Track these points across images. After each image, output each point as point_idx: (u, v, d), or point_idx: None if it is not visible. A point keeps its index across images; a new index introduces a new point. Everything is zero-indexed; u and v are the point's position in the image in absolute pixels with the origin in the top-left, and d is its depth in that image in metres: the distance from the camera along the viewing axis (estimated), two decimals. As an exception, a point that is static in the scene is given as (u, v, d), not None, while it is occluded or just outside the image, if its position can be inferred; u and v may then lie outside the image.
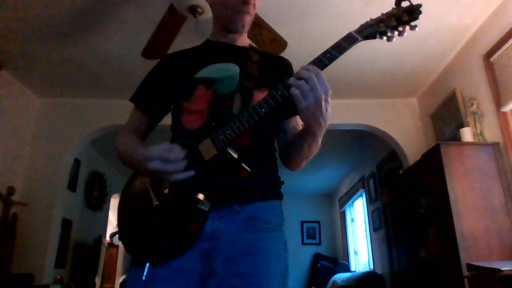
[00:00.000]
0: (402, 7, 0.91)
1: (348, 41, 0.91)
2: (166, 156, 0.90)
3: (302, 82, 0.86)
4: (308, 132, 0.95)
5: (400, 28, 0.91)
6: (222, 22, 1.16)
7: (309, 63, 0.90)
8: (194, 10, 2.23)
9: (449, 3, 2.62)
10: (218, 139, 0.94)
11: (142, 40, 2.61)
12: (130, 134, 1.14)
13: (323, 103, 0.86)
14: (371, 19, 0.93)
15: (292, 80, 0.88)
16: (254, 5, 1.13)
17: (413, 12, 0.90)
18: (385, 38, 0.93)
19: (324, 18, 2.76)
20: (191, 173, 0.92)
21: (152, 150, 0.92)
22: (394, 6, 0.92)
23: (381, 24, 0.91)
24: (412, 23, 0.91)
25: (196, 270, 0.93)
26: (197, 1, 2.18)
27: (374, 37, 0.92)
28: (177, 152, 0.92)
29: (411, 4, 0.90)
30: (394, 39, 0.92)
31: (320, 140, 0.99)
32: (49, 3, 2.59)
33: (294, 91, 0.86)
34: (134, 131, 1.15)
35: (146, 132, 1.18)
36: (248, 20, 1.13)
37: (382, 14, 0.92)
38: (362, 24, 0.93)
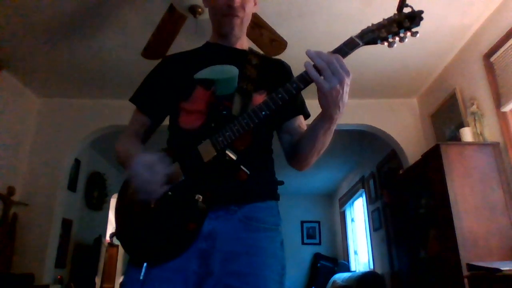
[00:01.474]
0: (404, 13, 0.90)
1: (349, 46, 0.90)
2: (148, 176, 0.89)
3: (325, 66, 0.85)
4: (324, 117, 0.95)
5: (401, 34, 0.91)
6: (214, 26, 1.19)
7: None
8: (194, 10, 2.23)
9: (449, 3, 2.62)
10: (217, 141, 0.94)
11: (142, 40, 2.61)
12: (128, 138, 1.14)
13: (345, 86, 0.87)
14: (372, 24, 0.92)
15: (311, 64, 0.87)
16: (243, 7, 1.11)
17: (415, 18, 0.90)
18: (386, 43, 0.92)
19: (324, 18, 2.76)
20: (166, 188, 0.92)
21: (136, 166, 0.91)
22: (396, 12, 0.92)
23: (383, 30, 0.91)
24: (413, 29, 0.91)
25: (193, 270, 0.93)
26: (197, 1, 2.18)
27: (375, 43, 0.92)
28: (159, 168, 0.90)
29: (413, 10, 0.90)
30: (395, 44, 0.92)
31: (334, 127, 0.98)
32: (50, 3, 2.59)
33: (316, 75, 0.86)
34: (134, 133, 1.15)
35: (147, 133, 1.18)
36: (237, 23, 1.12)
37: (383, 19, 0.92)
38: (364, 29, 0.92)
